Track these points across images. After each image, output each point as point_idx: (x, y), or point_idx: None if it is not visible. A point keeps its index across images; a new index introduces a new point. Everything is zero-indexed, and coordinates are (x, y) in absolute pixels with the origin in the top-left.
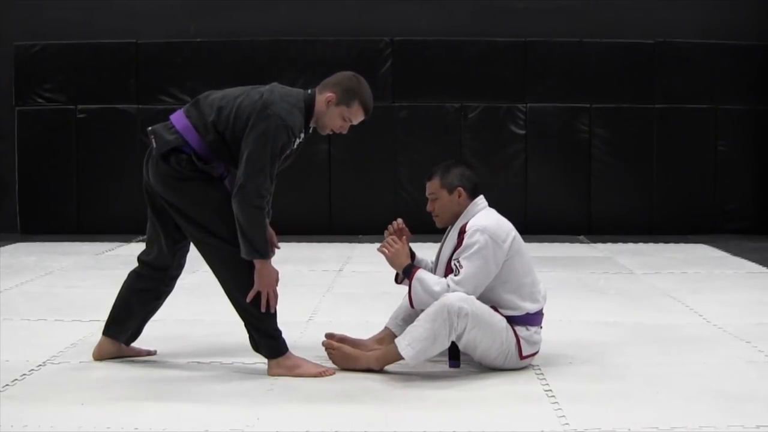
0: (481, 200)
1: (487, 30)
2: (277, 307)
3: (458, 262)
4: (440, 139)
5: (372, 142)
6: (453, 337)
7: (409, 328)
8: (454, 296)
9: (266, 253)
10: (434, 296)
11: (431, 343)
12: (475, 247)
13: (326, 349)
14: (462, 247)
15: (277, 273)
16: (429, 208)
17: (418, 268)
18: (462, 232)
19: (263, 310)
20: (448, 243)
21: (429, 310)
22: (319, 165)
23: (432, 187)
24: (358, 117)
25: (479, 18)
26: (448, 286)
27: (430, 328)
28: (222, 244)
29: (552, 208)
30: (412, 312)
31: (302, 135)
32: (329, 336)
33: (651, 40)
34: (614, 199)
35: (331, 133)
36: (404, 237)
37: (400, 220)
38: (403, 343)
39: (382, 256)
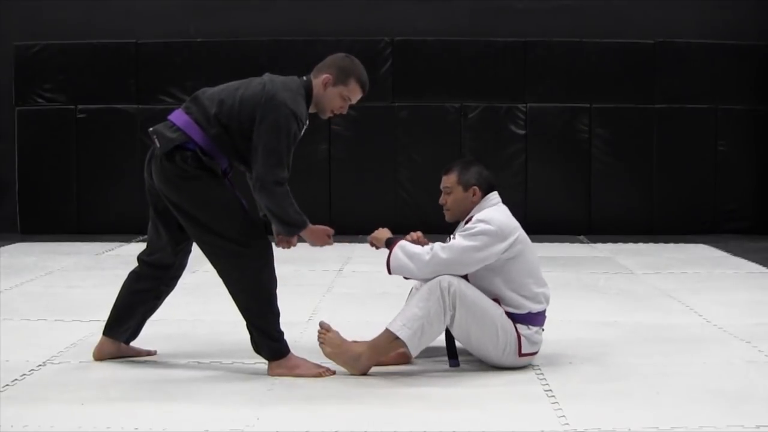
0: (494, 196)
1: (487, 30)
2: (280, 309)
3: (454, 236)
4: (440, 139)
5: (372, 142)
6: (447, 319)
7: (401, 311)
8: (447, 276)
9: (304, 223)
10: (413, 258)
11: (427, 323)
12: (476, 230)
13: (319, 332)
14: (464, 228)
15: (325, 229)
16: (441, 201)
17: (402, 240)
18: (469, 220)
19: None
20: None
21: (422, 290)
22: (319, 165)
23: (448, 181)
24: (356, 95)
25: (479, 18)
26: (432, 248)
27: (424, 306)
28: (227, 244)
29: (552, 208)
30: None
31: (308, 122)
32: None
33: (651, 40)
34: (614, 199)
35: (331, 115)
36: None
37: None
38: (397, 324)
39: (376, 251)
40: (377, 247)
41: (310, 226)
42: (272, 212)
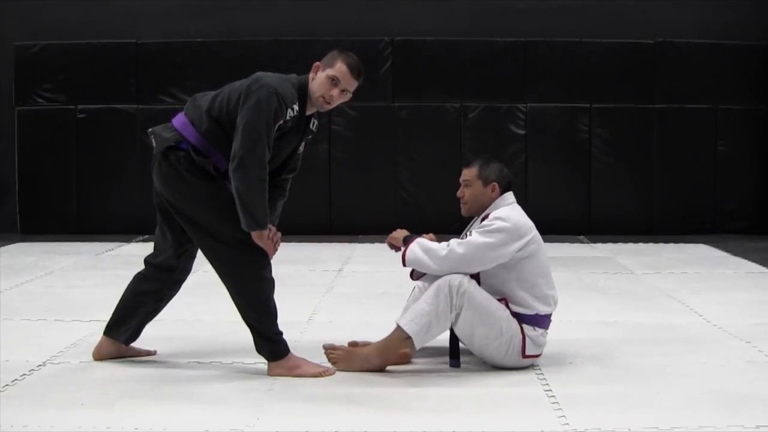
0: (510, 195)
1: (487, 30)
2: (278, 310)
3: (470, 232)
4: (440, 139)
5: (372, 142)
6: (452, 317)
7: (411, 307)
8: (458, 275)
9: (265, 224)
10: (429, 252)
11: (434, 318)
12: (493, 227)
13: (326, 353)
14: (480, 225)
15: (275, 242)
16: (459, 194)
17: (419, 237)
18: (485, 218)
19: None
20: (470, 230)
21: (432, 287)
22: (319, 165)
23: (468, 174)
24: (344, 76)
25: (479, 18)
26: (448, 245)
27: (432, 302)
28: (222, 246)
29: (552, 208)
30: None
31: (296, 108)
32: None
33: (651, 40)
34: (614, 199)
35: (327, 105)
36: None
37: None
38: (405, 320)
39: (390, 251)
40: (396, 249)
41: (267, 232)
42: (239, 195)
